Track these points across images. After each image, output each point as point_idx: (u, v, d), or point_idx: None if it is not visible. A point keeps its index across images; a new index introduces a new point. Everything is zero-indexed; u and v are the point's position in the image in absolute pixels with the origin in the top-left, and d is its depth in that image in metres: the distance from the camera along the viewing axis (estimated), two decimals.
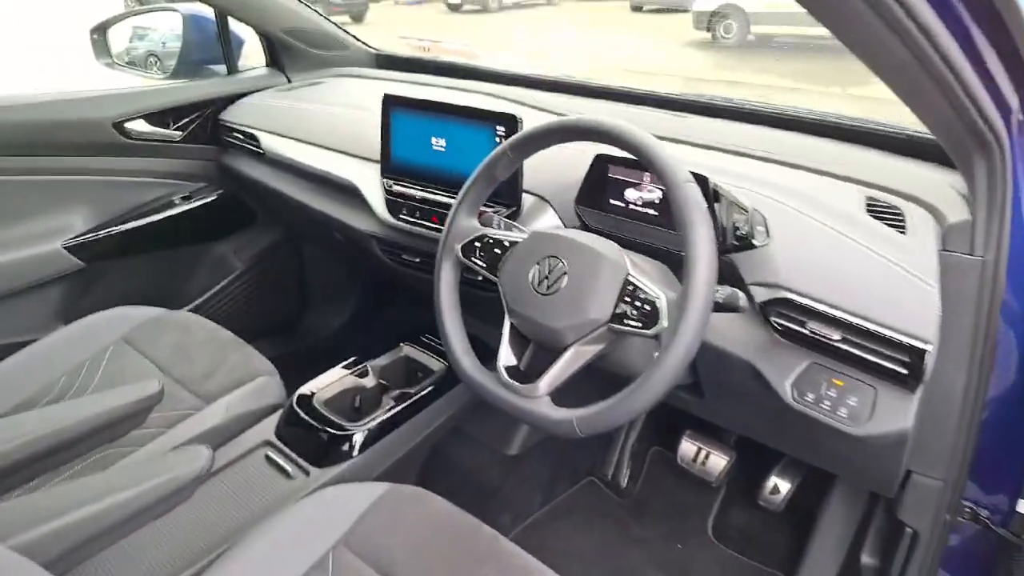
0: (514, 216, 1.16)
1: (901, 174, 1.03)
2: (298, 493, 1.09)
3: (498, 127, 1.14)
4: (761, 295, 0.90)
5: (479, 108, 1.16)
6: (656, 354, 0.77)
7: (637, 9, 10.56)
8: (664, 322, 0.78)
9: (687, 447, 1.49)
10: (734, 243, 0.90)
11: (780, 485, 1.40)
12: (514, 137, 0.95)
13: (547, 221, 1.15)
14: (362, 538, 0.91)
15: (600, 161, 1.04)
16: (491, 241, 0.96)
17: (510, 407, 0.88)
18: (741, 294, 0.86)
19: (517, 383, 0.87)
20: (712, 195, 0.89)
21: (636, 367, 1.04)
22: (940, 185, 0.98)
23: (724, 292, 0.82)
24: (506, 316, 0.93)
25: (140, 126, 1.65)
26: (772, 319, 0.90)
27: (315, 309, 2.12)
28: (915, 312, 0.81)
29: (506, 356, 0.92)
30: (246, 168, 1.69)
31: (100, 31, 1.80)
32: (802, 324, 0.88)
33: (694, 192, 0.78)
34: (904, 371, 0.81)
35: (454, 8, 12.26)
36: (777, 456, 1.43)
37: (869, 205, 0.97)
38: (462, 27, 11.17)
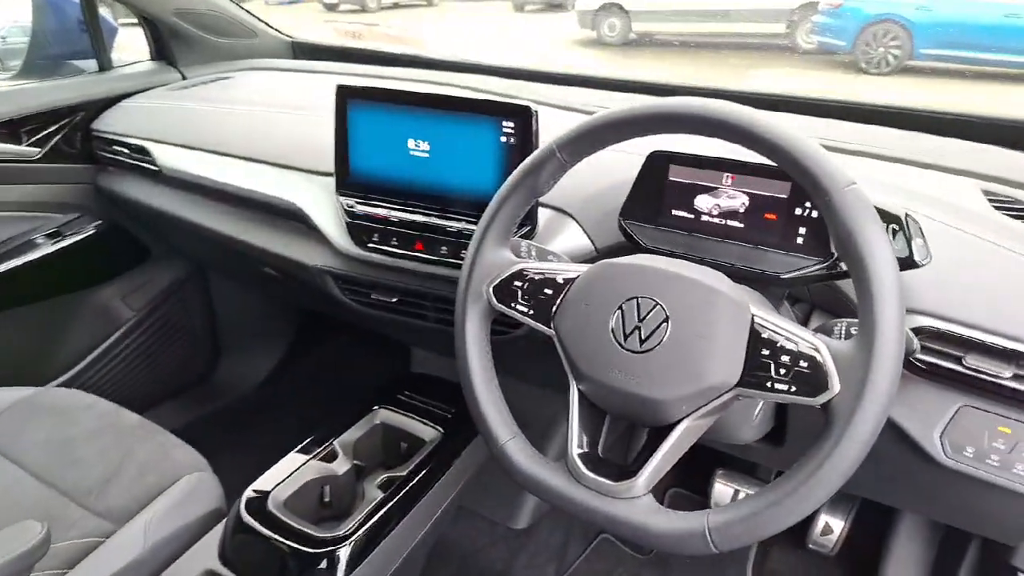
0: (528, 237, 0.89)
1: (1009, 162, 0.86)
2: None
3: (505, 123, 0.87)
4: None
5: (479, 99, 0.88)
6: (832, 431, 0.53)
7: (520, 8, 10.59)
8: (835, 386, 0.54)
9: (722, 490, 1.27)
10: None
11: (832, 523, 1.21)
12: (570, 132, 0.68)
13: (571, 241, 0.88)
14: None
15: (656, 161, 0.79)
16: (537, 278, 0.69)
17: (598, 515, 0.61)
18: (912, 335, 0.64)
19: (606, 480, 0.61)
20: None
21: (735, 430, 0.80)
22: None
23: None
24: (572, 384, 0.66)
25: None
26: (915, 356, 0.69)
27: (230, 359, 1.74)
28: None
29: (579, 440, 0.65)
30: (134, 191, 1.31)
31: None
32: (957, 360, 0.67)
33: (862, 199, 0.55)
34: None
35: (331, 7, 11.86)
36: None
37: (991, 200, 0.79)
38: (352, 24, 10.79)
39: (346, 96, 0.95)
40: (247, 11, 1.57)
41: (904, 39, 5.32)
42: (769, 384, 0.57)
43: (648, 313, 0.61)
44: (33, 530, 0.72)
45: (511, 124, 0.87)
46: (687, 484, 1.39)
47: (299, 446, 1.01)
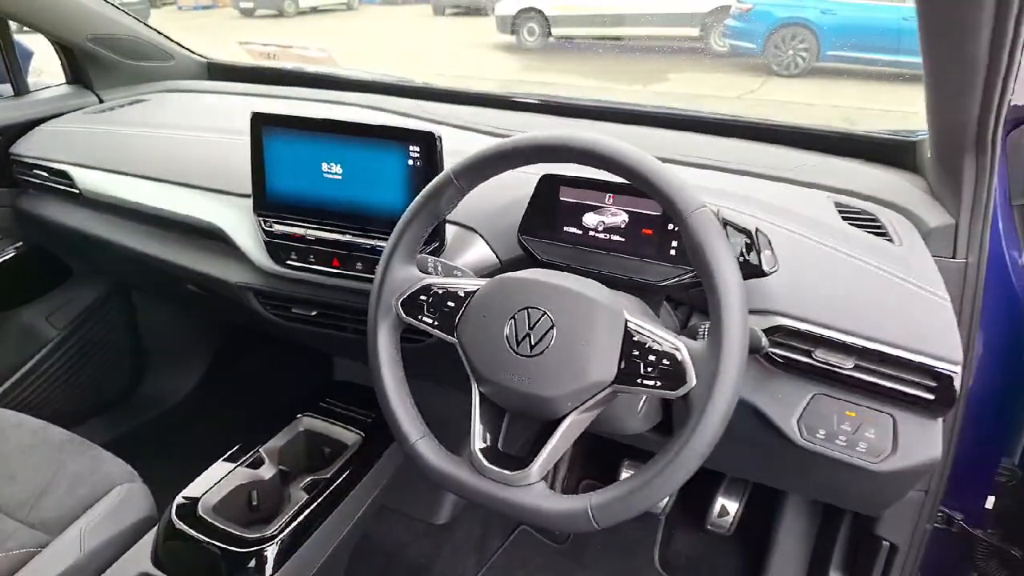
0: (436, 253, 0.97)
1: (860, 176, 0.99)
2: None
3: (412, 147, 0.95)
4: (754, 324, 0.80)
5: (387, 126, 0.95)
6: (688, 419, 0.63)
7: (440, 12, 10.56)
8: (692, 380, 0.64)
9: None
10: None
11: (728, 506, 1.33)
12: (465, 161, 0.76)
13: (477, 255, 0.97)
14: None
15: (548, 183, 0.89)
16: (440, 292, 0.77)
17: (498, 502, 0.70)
18: (761, 332, 0.75)
19: (503, 470, 0.69)
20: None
21: (623, 422, 0.90)
22: (903, 188, 0.93)
23: None
24: (474, 386, 0.74)
25: None
26: (770, 350, 0.80)
27: (155, 373, 1.75)
28: (935, 330, 0.75)
29: (480, 436, 0.73)
30: (55, 214, 1.33)
31: None
32: (807, 353, 0.78)
33: (709, 219, 0.65)
34: (930, 396, 0.74)
35: (247, 13, 11.45)
36: (718, 476, 1.36)
37: (841, 212, 0.91)
38: (257, 34, 10.48)
39: (260, 123, 1.01)
40: (162, 34, 1.58)
41: (811, 42, 5.63)
42: (639, 380, 0.66)
43: (537, 321, 0.70)
44: None
45: (417, 148, 0.94)
46: (598, 474, 1.50)
47: (226, 454, 1.06)
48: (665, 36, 6.78)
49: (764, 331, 0.79)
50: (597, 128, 1.23)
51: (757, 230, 0.76)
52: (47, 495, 0.96)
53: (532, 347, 0.69)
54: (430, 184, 0.78)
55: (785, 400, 0.81)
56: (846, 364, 0.76)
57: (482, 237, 0.97)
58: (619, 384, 0.67)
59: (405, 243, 0.79)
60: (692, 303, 0.91)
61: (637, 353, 0.66)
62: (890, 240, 0.84)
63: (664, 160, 0.69)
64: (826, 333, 0.77)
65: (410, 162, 0.95)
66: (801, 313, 0.78)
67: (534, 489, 0.68)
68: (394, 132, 0.95)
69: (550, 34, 7.82)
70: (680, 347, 0.65)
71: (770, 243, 0.76)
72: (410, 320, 0.77)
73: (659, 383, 0.65)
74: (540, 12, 7.78)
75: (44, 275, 1.49)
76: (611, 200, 0.86)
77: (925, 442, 0.76)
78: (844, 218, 0.89)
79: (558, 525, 0.67)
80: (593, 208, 0.86)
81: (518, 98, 1.39)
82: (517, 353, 0.70)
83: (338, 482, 1.03)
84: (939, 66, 0.70)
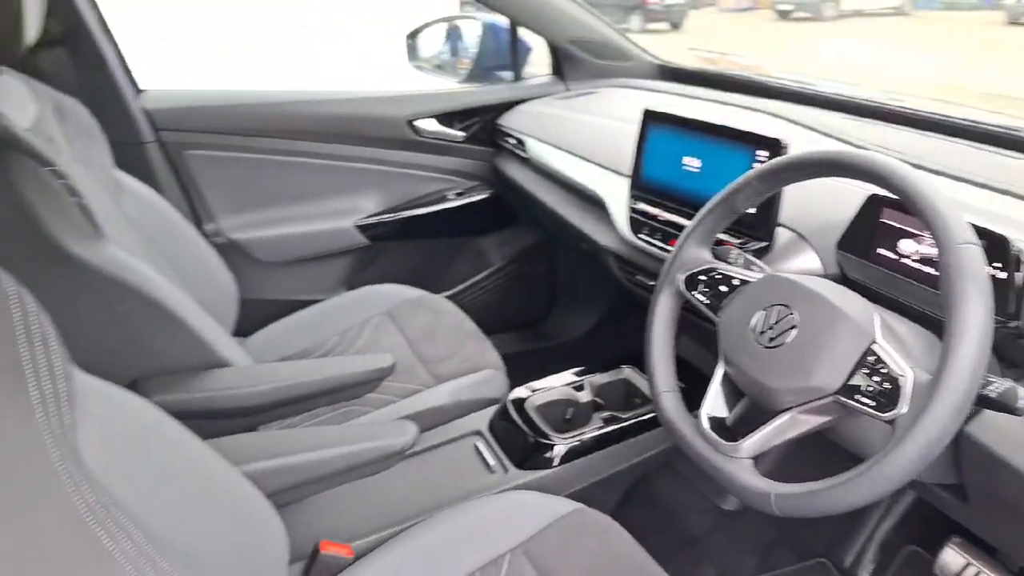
0: (763, 253, 1.05)
1: None
2: (494, 488, 1.12)
3: (759, 151, 1.04)
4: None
5: (739, 129, 1.06)
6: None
7: (1016, 21, 8.85)
8: (903, 407, 0.64)
9: (951, 558, 1.21)
10: None
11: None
12: (763, 166, 0.85)
13: (802, 263, 1.01)
14: (540, 550, 0.92)
15: (873, 203, 0.89)
16: (719, 276, 0.88)
17: (705, 462, 0.80)
18: (1020, 389, 0.67)
19: (718, 437, 0.79)
20: (1015, 261, 0.71)
21: (872, 450, 0.88)
22: None
23: (1001, 386, 0.65)
24: (719, 362, 0.84)
25: (430, 125, 1.83)
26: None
27: (561, 313, 2.16)
28: None
29: (712, 405, 0.83)
30: (512, 171, 1.78)
31: (412, 36, 2.03)
32: None
33: (972, 256, 0.62)
34: None
35: (783, 16, 11.48)
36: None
37: None
38: (785, 36, 10.40)
39: (648, 118, 1.22)
40: (628, 39, 1.90)
41: None
42: (857, 398, 0.69)
43: (783, 318, 0.77)
44: (410, 431, 1.05)
45: (764, 153, 1.03)
46: (925, 544, 1.33)
47: (563, 372, 1.34)
48: None
49: None
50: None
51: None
52: (446, 360, 1.37)
53: (772, 340, 0.76)
54: (734, 182, 0.88)
55: None
56: None
57: (811, 247, 1.01)
58: (840, 396, 0.70)
59: (702, 228, 0.91)
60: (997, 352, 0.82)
61: (868, 372, 0.68)
62: None
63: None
64: None
65: (755, 164, 1.05)
66: None
67: (737, 461, 0.76)
68: (745, 136, 1.05)
69: None
70: (907, 373, 0.65)
71: None
72: (686, 294, 0.90)
73: (873, 403, 0.66)
74: None
75: (500, 217, 1.98)
76: None
77: None
78: None
79: (743, 497, 0.75)
80: (912, 235, 0.84)
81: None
82: (758, 342, 0.78)
83: (630, 423, 1.22)
84: None
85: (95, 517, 0.60)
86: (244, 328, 1.50)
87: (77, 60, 1.51)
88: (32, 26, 0.98)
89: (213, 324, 1.14)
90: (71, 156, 1.12)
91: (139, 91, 1.63)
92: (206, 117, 1.66)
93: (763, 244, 1.04)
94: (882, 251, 0.87)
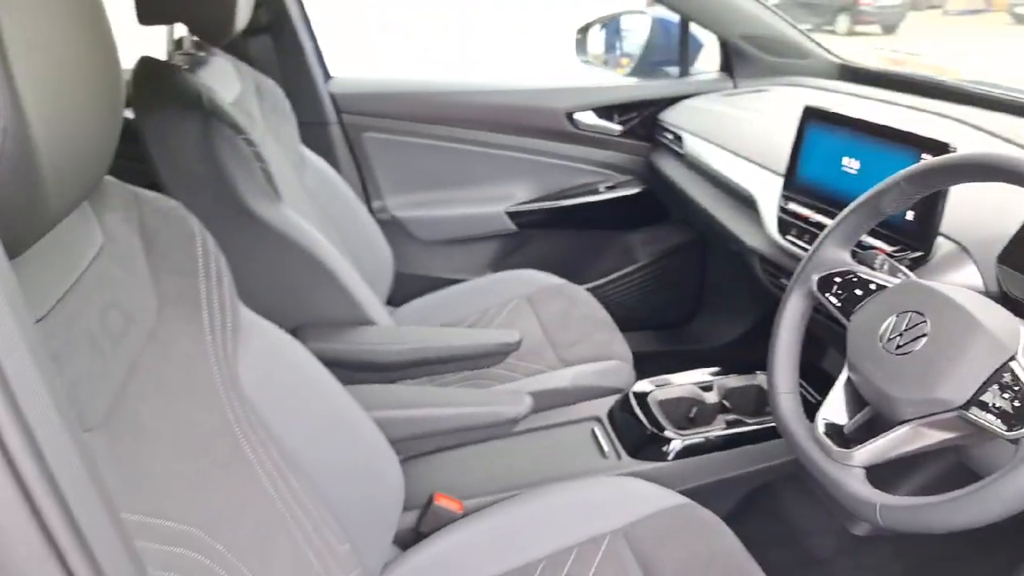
0: (919, 263, 0.97)
1: None
2: (605, 473, 1.13)
3: (924, 155, 0.96)
4: None
5: (903, 130, 0.99)
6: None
7: None
8: None
9: None
10: None
11: None
12: (912, 167, 0.79)
13: (962, 278, 0.92)
14: (641, 537, 0.93)
15: None
16: (856, 279, 0.83)
17: (813, 466, 0.77)
18: None
19: (831, 443, 0.75)
20: None
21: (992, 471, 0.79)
22: None
23: None
24: (844, 368, 0.80)
25: (587, 118, 1.86)
26: None
27: (705, 318, 2.10)
28: None
29: (831, 411, 0.80)
30: (667, 167, 1.76)
31: (582, 31, 2.07)
32: None
33: None
34: None
35: (1021, 20, 10.08)
36: None
37: None
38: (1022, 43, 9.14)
39: (807, 115, 1.17)
40: (807, 36, 1.80)
41: None
42: (983, 414, 0.63)
43: (913, 326, 0.72)
44: (525, 402, 1.11)
45: (928, 156, 0.95)
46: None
47: (694, 371, 1.32)
48: None
49: None
50: None
51: None
52: (575, 346, 1.40)
53: (898, 347, 0.72)
54: (881, 182, 0.83)
55: None
56: None
57: (973, 260, 0.92)
58: (965, 411, 0.65)
59: (842, 229, 0.87)
60: None
61: (999, 388, 0.63)
62: None
63: None
64: None
65: None
66: None
67: (850, 470, 0.73)
68: (909, 137, 0.98)
69: None
70: None
71: None
72: (819, 295, 0.86)
73: (999, 420, 0.61)
74: None
75: (650, 213, 1.96)
76: None
77: None
78: None
79: (848, 504, 0.71)
80: None
81: None
82: (884, 348, 0.73)
83: (755, 429, 1.18)
84: None
85: (241, 429, 0.70)
86: (396, 299, 1.63)
87: (279, 46, 1.71)
88: (243, 15, 1.15)
89: (366, 288, 1.26)
90: (264, 129, 1.29)
91: (328, 77, 1.81)
92: (383, 103, 1.82)
93: (919, 254, 0.96)
94: None
